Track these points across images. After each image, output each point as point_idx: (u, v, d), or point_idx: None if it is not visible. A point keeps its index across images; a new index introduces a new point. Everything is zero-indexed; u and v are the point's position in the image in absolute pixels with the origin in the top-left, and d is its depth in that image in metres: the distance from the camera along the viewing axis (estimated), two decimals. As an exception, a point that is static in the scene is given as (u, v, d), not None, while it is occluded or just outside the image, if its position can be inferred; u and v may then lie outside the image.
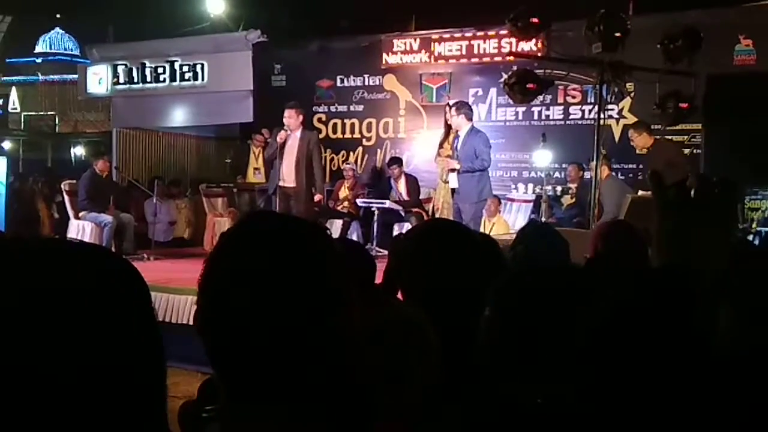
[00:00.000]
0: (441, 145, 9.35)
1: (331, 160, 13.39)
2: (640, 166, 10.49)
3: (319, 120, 13.45)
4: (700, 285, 1.20)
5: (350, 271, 1.22)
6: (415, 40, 12.57)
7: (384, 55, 12.75)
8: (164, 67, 14.46)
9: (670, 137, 10.06)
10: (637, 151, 9.78)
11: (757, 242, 8.51)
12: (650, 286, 1.21)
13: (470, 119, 9.17)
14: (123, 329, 0.90)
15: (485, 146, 8.98)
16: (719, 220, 1.28)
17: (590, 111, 10.98)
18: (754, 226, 9.08)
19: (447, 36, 12.30)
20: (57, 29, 29.89)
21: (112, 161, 13.75)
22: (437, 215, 9.33)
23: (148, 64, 14.60)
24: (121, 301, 0.92)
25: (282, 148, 9.42)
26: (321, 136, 13.33)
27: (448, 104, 9.82)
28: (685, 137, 10.45)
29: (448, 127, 9.37)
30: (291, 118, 9.44)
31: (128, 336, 0.91)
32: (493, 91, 12.03)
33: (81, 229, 10.88)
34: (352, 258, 2.97)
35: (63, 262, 0.91)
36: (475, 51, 12.04)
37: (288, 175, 9.43)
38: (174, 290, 7.77)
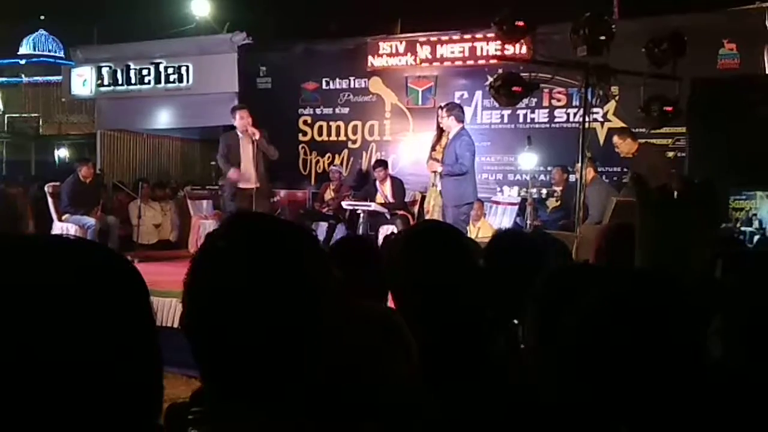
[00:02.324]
0: (433, 148, 9.30)
1: (317, 162, 13.39)
2: (625, 170, 10.54)
3: (305, 122, 13.44)
4: (684, 284, 1.20)
5: (350, 270, 1.23)
6: (400, 42, 12.58)
7: (369, 58, 12.74)
8: (149, 69, 14.43)
9: (654, 140, 10.11)
10: (622, 156, 9.82)
11: (742, 239, 8.56)
12: (635, 286, 1.22)
13: (460, 121, 9.08)
14: (117, 323, 0.90)
15: (466, 150, 8.86)
16: (701, 220, 1.29)
17: (575, 114, 11.02)
18: (738, 225, 9.15)
19: (433, 39, 12.31)
20: (41, 31, 29.73)
21: (97, 163, 13.68)
22: (427, 218, 9.29)
23: (132, 65, 14.56)
24: (117, 296, 0.91)
25: (238, 151, 9.34)
26: (306, 138, 13.37)
27: (440, 106, 9.76)
28: (670, 140, 10.50)
29: (440, 130, 9.29)
30: (248, 117, 9.36)
31: (123, 330, 0.90)
32: (478, 94, 12.06)
33: (65, 231, 10.82)
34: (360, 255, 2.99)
35: (58, 256, 0.91)
36: (461, 54, 12.06)
37: (249, 177, 9.34)
38: (159, 293, 7.71)
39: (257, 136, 9.19)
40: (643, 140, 9.72)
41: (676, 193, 1.30)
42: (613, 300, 1.20)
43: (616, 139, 9.69)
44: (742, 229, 8.95)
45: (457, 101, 11.64)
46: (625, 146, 9.49)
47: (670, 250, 1.27)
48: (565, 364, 1.24)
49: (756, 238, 8.86)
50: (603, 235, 2.91)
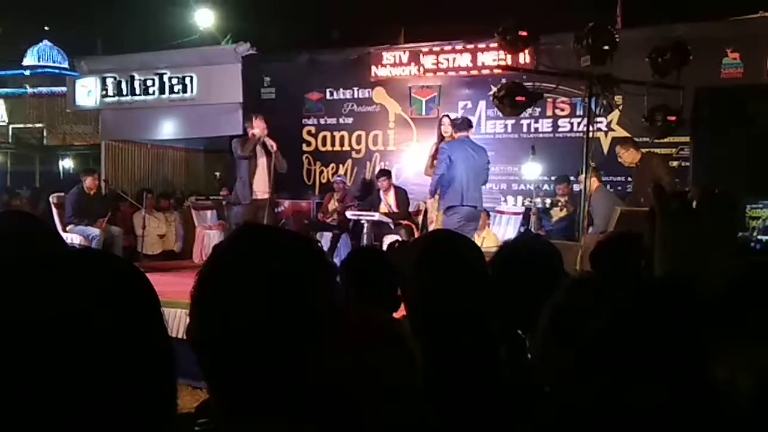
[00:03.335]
0: (434, 156, 9.38)
1: (321, 172, 13.39)
2: (629, 179, 10.54)
3: (309, 132, 13.45)
4: (703, 293, 1.20)
5: (363, 282, 1.23)
6: (404, 52, 12.59)
7: (373, 68, 12.75)
8: (153, 80, 14.44)
9: (658, 150, 10.11)
10: (625, 166, 9.82)
11: (758, 247, 8.52)
12: (654, 295, 1.21)
13: (459, 130, 9.19)
14: (133, 334, 0.91)
15: (440, 156, 9.07)
16: (721, 229, 1.29)
17: (579, 124, 11.02)
18: (754, 234, 9.10)
19: (436, 49, 12.32)
20: (45, 41, 29.84)
21: (101, 174, 13.70)
22: (431, 227, 9.34)
23: (137, 76, 14.58)
24: (132, 307, 0.92)
25: (254, 160, 9.32)
26: (310, 148, 13.38)
27: (446, 116, 9.98)
28: (674, 150, 10.50)
29: (441, 139, 9.48)
30: (266, 128, 9.35)
31: (139, 341, 0.91)
32: (482, 103, 12.07)
33: (69, 242, 10.80)
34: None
35: (71, 271, 0.91)
36: (465, 64, 12.06)
37: (263, 186, 9.33)
38: (164, 303, 7.65)
39: (275, 148, 9.20)
40: (647, 150, 9.72)
41: (695, 203, 1.31)
42: (639, 306, 1.20)
43: (618, 149, 9.69)
44: (759, 237, 8.91)
45: (461, 111, 11.71)
46: (628, 156, 9.50)
47: (691, 260, 1.27)
48: (584, 370, 1.24)
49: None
50: (598, 244, 2.91)
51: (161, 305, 0.96)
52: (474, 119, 12.00)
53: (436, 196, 9.26)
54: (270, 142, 9.17)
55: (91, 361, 0.85)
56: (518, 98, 7.52)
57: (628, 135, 10.15)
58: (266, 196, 9.32)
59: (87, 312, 0.87)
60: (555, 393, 1.38)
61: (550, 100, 11.13)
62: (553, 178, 11.26)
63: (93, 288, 0.90)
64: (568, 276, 2.38)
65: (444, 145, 9.23)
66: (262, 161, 9.29)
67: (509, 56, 8.70)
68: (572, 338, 1.54)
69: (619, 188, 10.71)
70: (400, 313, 2.33)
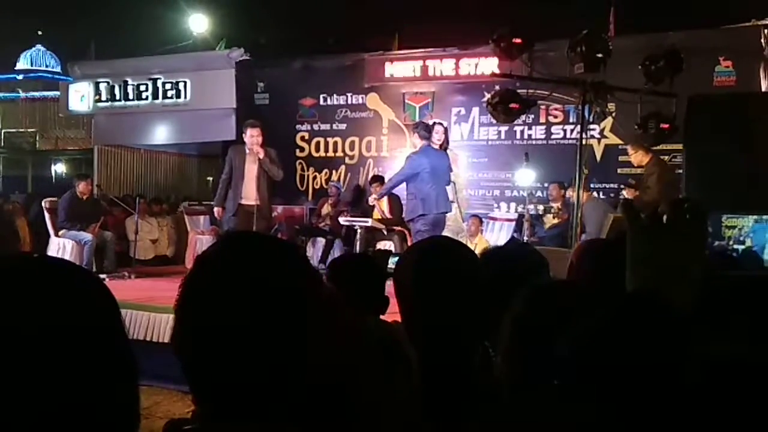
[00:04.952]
0: None
1: (314, 178, 13.39)
2: (621, 186, 10.54)
3: (302, 138, 13.45)
4: (674, 309, 1.20)
5: (348, 286, 1.23)
6: (398, 59, 12.60)
7: (367, 74, 12.76)
8: (147, 85, 14.43)
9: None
10: (635, 166, 9.79)
11: (735, 255, 8.53)
12: (624, 311, 1.21)
13: (423, 138, 9.25)
14: (93, 346, 0.90)
15: (406, 164, 9.27)
16: (691, 244, 1.29)
17: (572, 131, 11.05)
18: (731, 243, 9.11)
19: (430, 55, 12.34)
20: (38, 46, 29.76)
21: (94, 179, 13.67)
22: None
23: (130, 81, 14.57)
24: (92, 317, 0.91)
25: (242, 167, 9.28)
26: (303, 154, 13.38)
27: (440, 123, 10.02)
28: (667, 157, 10.50)
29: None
30: (259, 136, 9.30)
31: (96, 355, 0.90)
32: (475, 110, 12.08)
33: (62, 246, 10.80)
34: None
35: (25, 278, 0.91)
36: (458, 70, 12.07)
37: (250, 194, 9.28)
38: (156, 309, 7.70)
39: (261, 155, 9.14)
40: (655, 155, 9.68)
41: (665, 217, 1.30)
42: (614, 324, 1.20)
43: (629, 149, 9.66)
44: (735, 246, 8.92)
45: (454, 117, 11.73)
46: (636, 157, 9.45)
47: (660, 276, 1.27)
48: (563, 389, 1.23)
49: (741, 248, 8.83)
50: (575, 252, 2.91)
51: (155, 310, 0.95)
52: (467, 126, 12.07)
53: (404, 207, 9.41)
54: (257, 150, 9.13)
55: (46, 368, 0.85)
56: (512, 105, 7.52)
57: (620, 142, 10.16)
58: (252, 202, 9.24)
59: (42, 319, 0.87)
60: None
61: (543, 107, 11.17)
62: (546, 185, 11.27)
63: (48, 296, 0.89)
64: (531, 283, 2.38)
65: (413, 155, 9.29)
66: (251, 169, 9.26)
67: (503, 63, 8.72)
68: (531, 347, 1.55)
69: (612, 195, 10.73)
70: (388, 315, 2.32)
